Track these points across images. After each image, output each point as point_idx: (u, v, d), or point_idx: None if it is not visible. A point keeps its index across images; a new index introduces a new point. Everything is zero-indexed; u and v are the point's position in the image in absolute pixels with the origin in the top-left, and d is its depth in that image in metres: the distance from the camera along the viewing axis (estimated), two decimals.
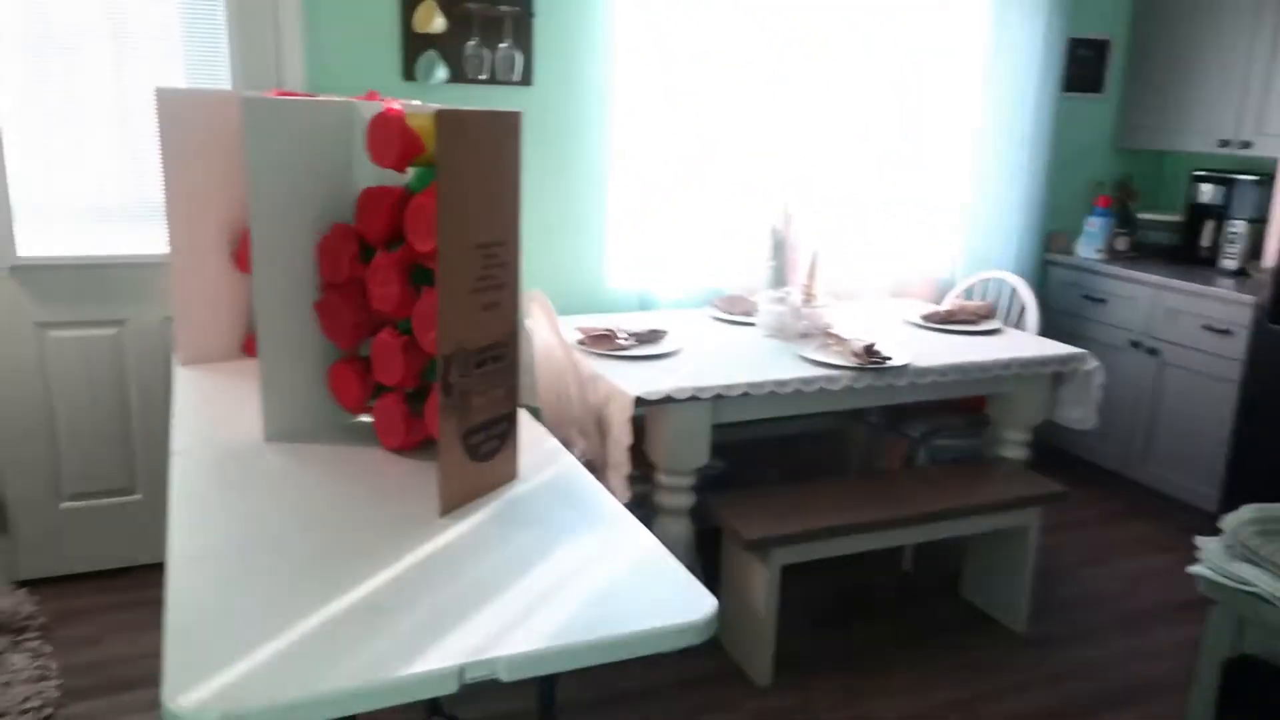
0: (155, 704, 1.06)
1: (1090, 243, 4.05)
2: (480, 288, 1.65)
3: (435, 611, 1.30)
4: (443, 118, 1.54)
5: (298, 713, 1.11)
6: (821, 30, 3.40)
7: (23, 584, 2.82)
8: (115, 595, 2.77)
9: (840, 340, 2.75)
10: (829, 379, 2.55)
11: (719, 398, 2.43)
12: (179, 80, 2.83)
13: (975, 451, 3.09)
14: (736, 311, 3.16)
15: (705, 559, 2.79)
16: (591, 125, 3.23)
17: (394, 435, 1.88)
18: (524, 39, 3.07)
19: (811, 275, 2.96)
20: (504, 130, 1.68)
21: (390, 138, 1.81)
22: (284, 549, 1.48)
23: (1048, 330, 3.93)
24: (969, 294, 3.66)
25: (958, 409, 3.21)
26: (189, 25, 2.81)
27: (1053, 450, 4.03)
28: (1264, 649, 1.33)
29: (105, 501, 2.91)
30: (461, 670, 1.17)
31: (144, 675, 2.35)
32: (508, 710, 2.27)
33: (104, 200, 2.82)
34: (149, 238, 2.83)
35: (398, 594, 1.34)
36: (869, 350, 2.65)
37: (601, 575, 1.41)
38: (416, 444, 1.87)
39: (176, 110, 2.27)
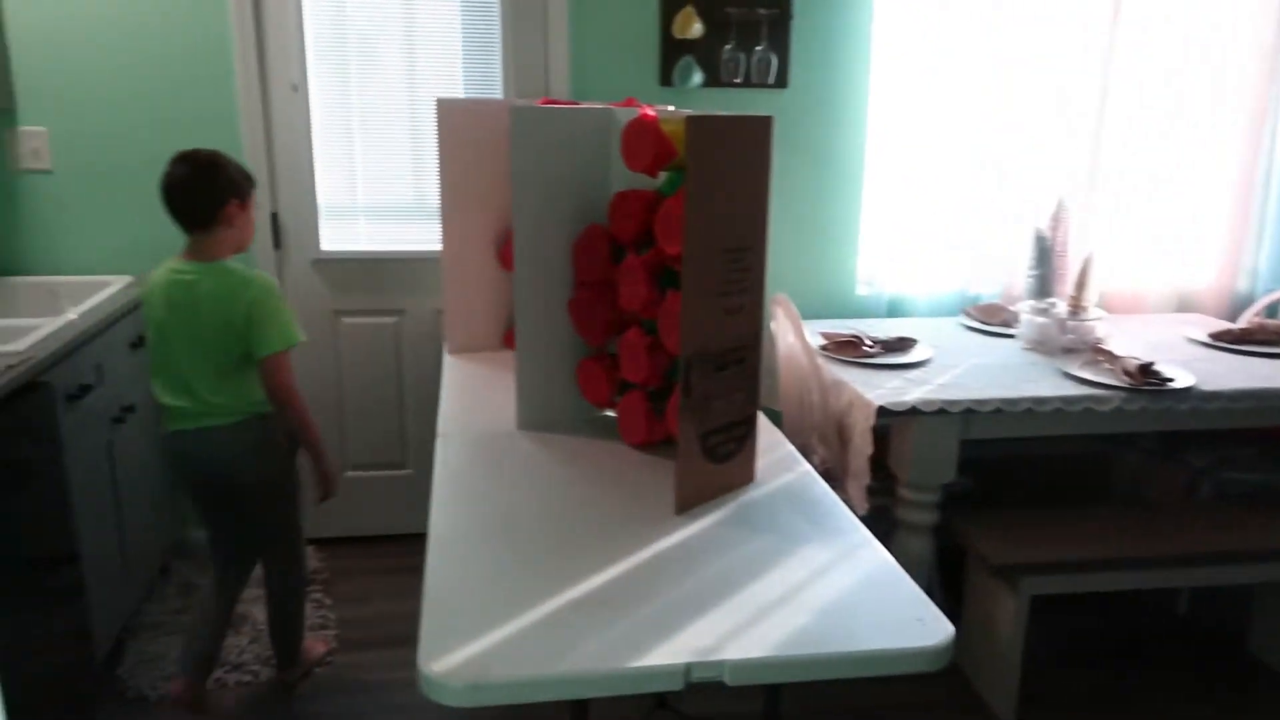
0: (413, 663, 1.18)
1: None
2: (725, 291, 1.66)
3: (666, 608, 1.32)
4: (693, 123, 1.57)
5: (534, 690, 1.17)
6: (1097, 10, 3.13)
7: (311, 541, 3.17)
8: (384, 559, 3.06)
9: (1112, 357, 2.53)
10: (1096, 399, 2.35)
11: (969, 412, 2.31)
12: (458, 92, 3.06)
13: (1274, 487, 2.73)
14: (994, 321, 2.99)
15: (945, 580, 2.66)
16: (847, 127, 3.17)
17: (636, 432, 1.93)
18: (780, 41, 3.06)
19: (1081, 284, 2.74)
20: (755, 135, 1.68)
21: (644, 143, 1.86)
22: (530, 532, 1.57)
23: None
24: (1272, 311, 3.24)
25: (1253, 438, 2.86)
26: (469, 42, 3.04)
27: None
28: None
29: (381, 474, 3.21)
30: (688, 669, 1.19)
31: (406, 635, 2.57)
32: (729, 711, 2.27)
33: (390, 200, 3.10)
34: (426, 235, 3.08)
35: (631, 587, 1.38)
36: (1145, 370, 2.41)
37: (834, 588, 1.39)
38: (657, 442, 1.91)
39: (454, 118, 2.46)
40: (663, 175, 1.95)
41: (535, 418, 2.05)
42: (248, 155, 2.91)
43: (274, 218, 3.01)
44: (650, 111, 1.92)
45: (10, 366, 1.98)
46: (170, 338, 2.13)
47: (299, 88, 2.95)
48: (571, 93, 3.06)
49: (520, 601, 1.33)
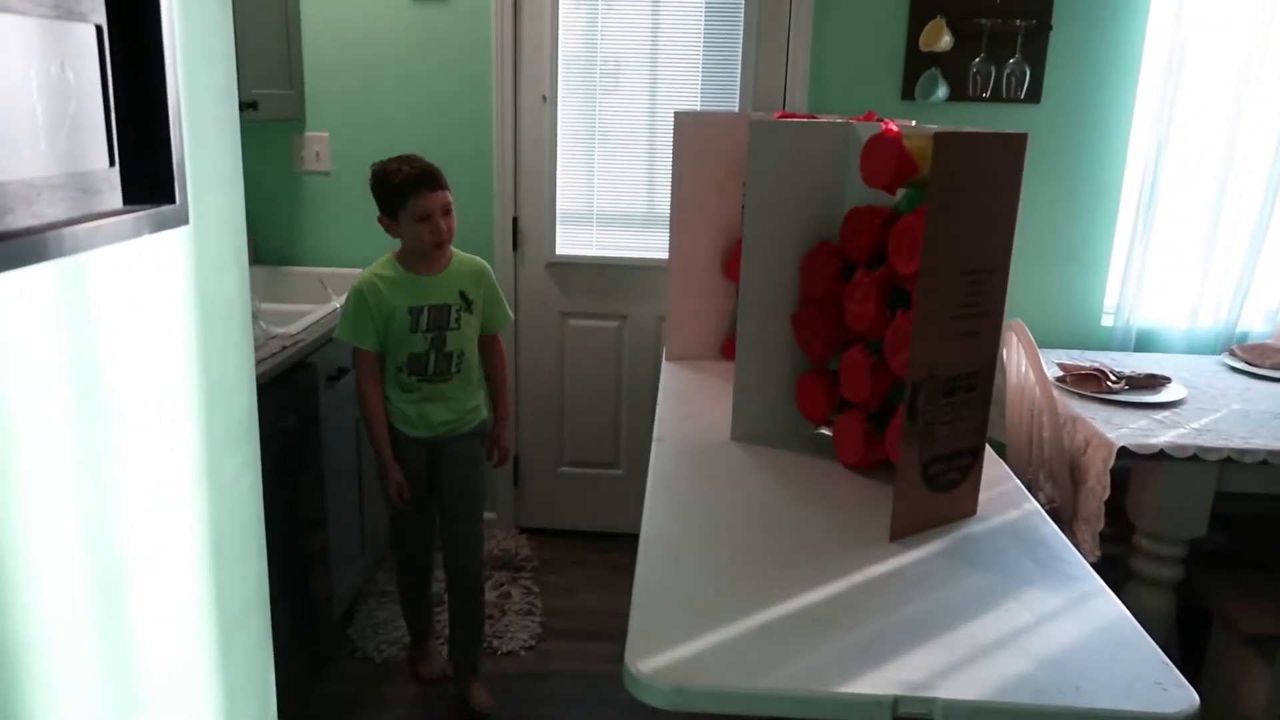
0: (615, 658, 1.22)
1: None
2: (961, 315, 1.60)
3: (876, 635, 1.29)
4: (941, 140, 1.52)
5: (736, 702, 1.17)
6: None
7: (524, 530, 3.32)
8: (592, 554, 3.16)
9: None
10: None
11: (1229, 461, 2.09)
12: (696, 104, 3.12)
13: None
14: (1264, 363, 2.69)
15: (1184, 645, 2.42)
16: (1104, 146, 2.96)
17: (852, 452, 1.89)
18: (1035, 53, 2.90)
19: None
20: (1006, 153, 1.61)
21: (885, 159, 1.82)
22: (740, 543, 1.57)
23: None
24: None
25: None
26: (709, 54, 3.09)
27: None
28: None
29: (594, 471, 3.32)
30: (896, 702, 1.15)
31: (608, 629, 2.65)
32: None
33: (623, 208, 3.21)
34: (654, 243, 3.16)
35: (841, 610, 1.36)
36: None
37: (1061, 637, 1.30)
38: (873, 464, 1.87)
39: (690, 130, 2.50)
40: (901, 192, 1.91)
41: (750, 430, 2.05)
42: (497, 161, 3.11)
43: (515, 221, 3.18)
44: (893, 126, 1.88)
45: (284, 347, 2.21)
46: None
47: (548, 99, 3.10)
48: (809, 106, 3.04)
49: (728, 611, 1.33)
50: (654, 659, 1.21)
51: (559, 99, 3.12)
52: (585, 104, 3.13)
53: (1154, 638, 2.25)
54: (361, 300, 2.20)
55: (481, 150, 3.12)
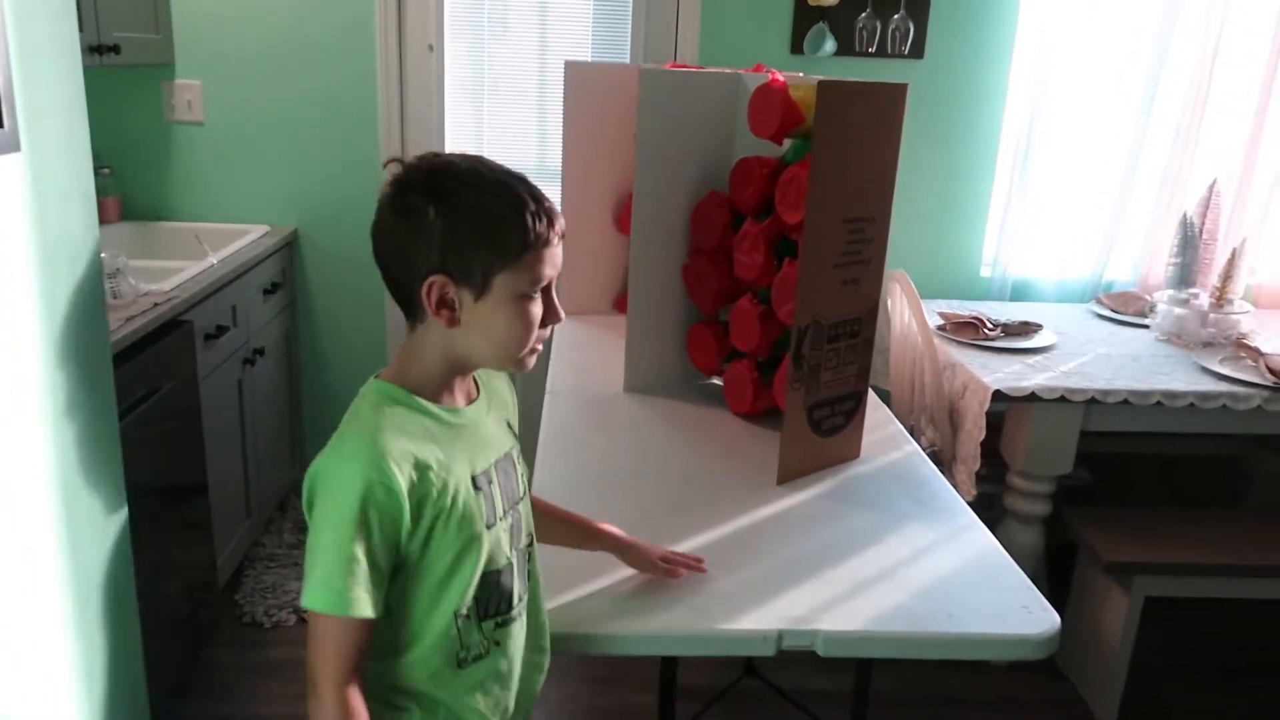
0: None
1: None
2: (843, 263, 1.63)
3: (762, 575, 1.32)
4: (824, 89, 1.53)
5: (626, 644, 1.19)
6: None
7: None
8: None
9: (1256, 353, 2.38)
10: (1234, 397, 2.21)
11: (1093, 402, 2.21)
12: (587, 55, 3.08)
13: None
14: (1128, 310, 2.85)
15: (1054, 576, 2.56)
16: (983, 103, 3.05)
17: (742, 400, 1.93)
18: (919, 10, 2.96)
19: (1228, 275, 2.57)
20: (887, 104, 1.64)
21: (771, 109, 1.84)
22: (631, 492, 1.59)
23: None
24: None
25: None
26: (600, 6, 3.04)
27: None
28: None
29: None
30: (780, 636, 1.19)
31: None
32: (817, 688, 2.26)
33: (513, 162, 3.09)
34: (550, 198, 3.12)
35: (728, 552, 1.39)
36: None
37: (934, 569, 1.36)
38: (762, 411, 1.90)
39: (581, 81, 2.47)
40: (787, 143, 1.93)
41: (642, 381, 2.06)
42: (382, 113, 3.01)
43: None
44: (780, 77, 1.89)
45: (156, 304, 2.11)
46: None
47: (434, 48, 3.01)
48: (700, 58, 3.03)
49: (618, 559, 1.34)
50: (555, 617, 1.21)
51: (445, 49, 3.03)
52: (473, 54, 3.06)
53: (1025, 569, 2.37)
54: (376, 509, 0.95)
55: (365, 101, 3.01)
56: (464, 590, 1.02)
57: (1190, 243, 2.75)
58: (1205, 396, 2.21)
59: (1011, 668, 2.44)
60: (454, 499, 1.00)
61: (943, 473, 2.38)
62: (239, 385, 2.61)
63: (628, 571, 1.30)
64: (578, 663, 2.42)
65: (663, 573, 1.28)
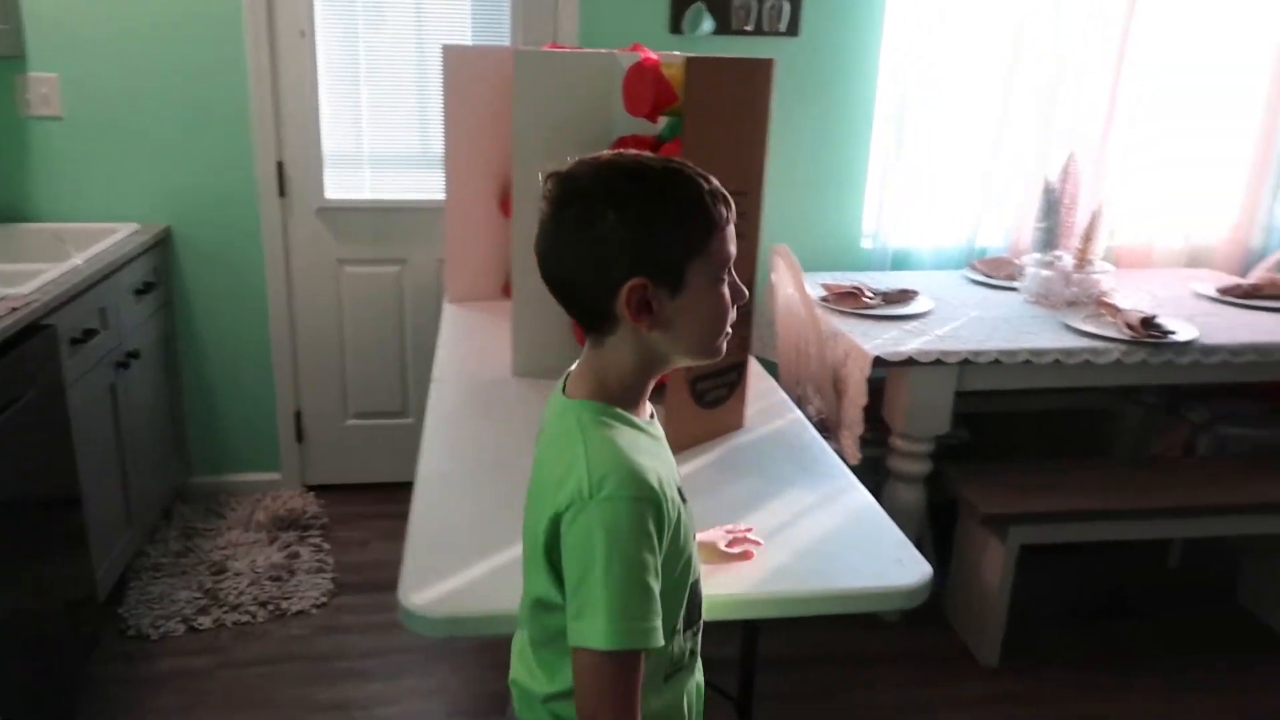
0: None
1: None
2: None
3: None
4: (693, 65, 1.56)
5: (509, 624, 1.19)
6: None
7: (311, 488, 3.21)
8: (384, 506, 3.09)
9: (1115, 310, 2.51)
10: (1095, 351, 2.34)
11: (966, 363, 2.30)
12: (466, 39, 3.04)
13: (1272, 444, 2.73)
14: (999, 275, 2.97)
15: (941, 533, 2.67)
16: (856, 78, 3.13)
17: None
18: None
19: (1088, 238, 2.71)
20: (755, 79, 1.67)
21: (644, 87, 1.85)
22: (518, 475, 1.57)
23: None
24: None
25: (1255, 394, 2.84)
26: None
27: None
28: None
29: (382, 422, 3.24)
30: None
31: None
32: (709, 655, 2.29)
33: (395, 149, 3.10)
34: (430, 184, 3.08)
35: None
36: (1147, 323, 2.40)
37: (815, 529, 1.40)
38: None
39: (459, 65, 2.44)
40: (663, 120, 1.95)
41: (531, 364, 2.06)
42: (255, 102, 2.91)
43: (279, 166, 3.01)
44: (652, 55, 1.91)
45: (14, 309, 2.00)
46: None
47: (306, 33, 2.93)
48: (580, 40, 3.02)
49: (503, 539, 1.35)
50: (427, 592, 1.21)
51: (318, 34, 2.95)
52: (347, 39, 2.98)
53: (909, 527, 2.46)
54: (654, 534, 0.93)
55: (236, 90, 2.91)
56: (682, 602, 1.00)
57: (1053, 209, 2.88)
58: (1069, 353, 2.33)
59: (902, 623, 2.53)
60: (677, 512, 0.97)
61: (830, 439, 2.45)
62: (112, 390, 2.50)
63: (511, 552, 1.30)
64: (474, 647, 2.41)
65: (736, 558, 1.28)
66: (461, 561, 1.28)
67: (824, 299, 2.65)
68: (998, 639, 2.38)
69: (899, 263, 3.25)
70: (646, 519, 0.91)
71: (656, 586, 0.91)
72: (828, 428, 2.46)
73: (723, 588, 1.24)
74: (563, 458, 0.94)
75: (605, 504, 0.90)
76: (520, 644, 1.09)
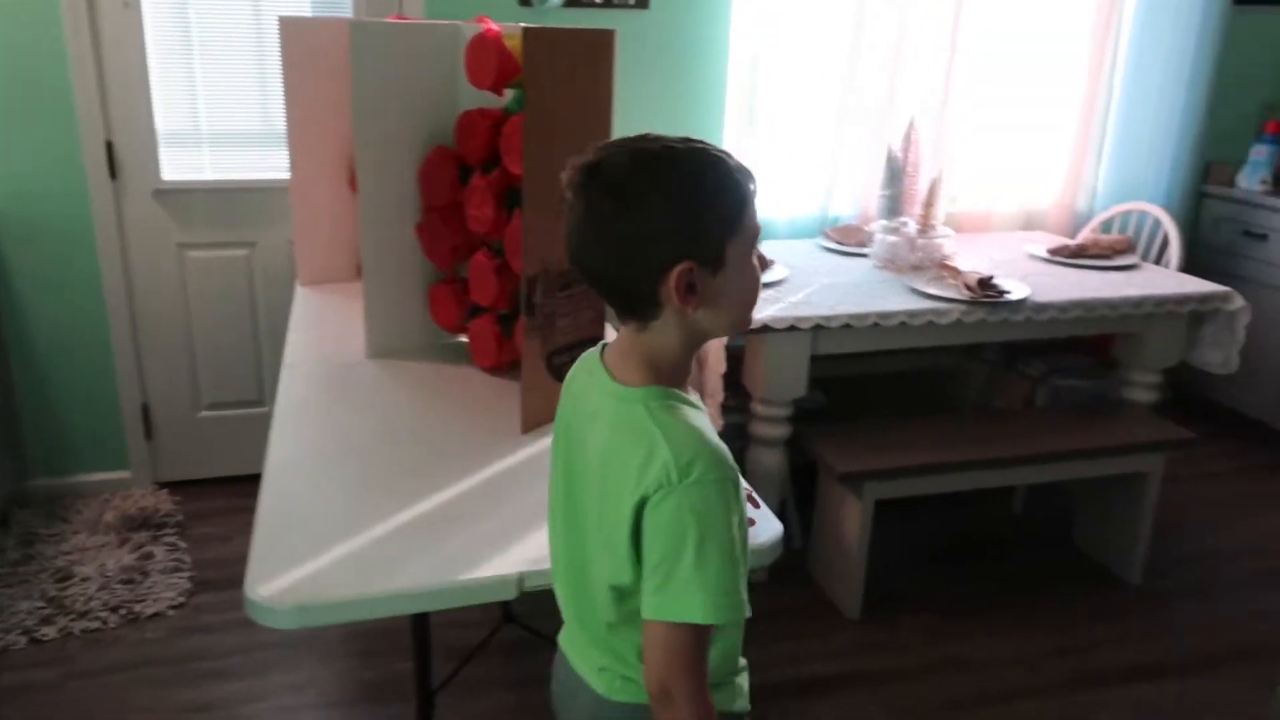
0: None
1: (1255, 173, 3.72)
2: None
3: (505, 522, 1.34)
4: (530, 36, 1.54)
5: (363, 608, 1.17)
6: None
7: (164, 485, 3.06)
8: (244, 499, 2.95)
9: (955, 272, 2.64)
10: (937, 312, 2.45)
11: (819, 328, 2.38)
12: (305, 10, 2.92)
13: (1101, 394, 2.92)
14: (850, 242, 3.07)
15: (803, 494, 2.76)
16: (708, 50, 3.16)
17: (487, 355, 1.93)
18: None
19: (929, 203, 2.83)
20: (597, 49, 1.66)
21: (487, 59, 1.82)
22: (373, 457, 1.56)
23: (1198, 268, 3.63)
24: (1107, 227, 3.43)
25: (1084, 348, 3.04)
26: None
27: (1195, 397, 3.77)
28: None
29: (237, 412, 3.11)
30: (521, 578, 1.21)
31: None
32: None
33: (236, 127, 2.95)
34: (276, 162, 2.95)
35: (472, 504, 1.39)
36: (983, 283, 2.53)
37: None
38: (508, 364, 1.91)
39: (298, 38, 2.35)
40: (510, 93, 1.92)
41: (385, 345, 2.02)
42: (76, 79, 2.72)
43: (109, 146, 2.83)
44: (494, 26, 1.88)
45: None
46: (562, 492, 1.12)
47: (130, 3, 2.75)
48: (426, 13, 2.95)
49: (358, 523, 1.32)
50: (275, 582, 1.18)
51: (143, 4, 2.77)
52: (177, 10, 2.81)
53: (771, 489, 2.53)
54: (741, 510, 0.99)
55: (54, 65, 2.71)
56: (746, 568, 1.00)
57: (896, 176, 2.99)
58: (913, 314, 2.43)
59: (770, 581, 2.61)
60: (739, 485, 0.98)
61: None
62: None
63: (364, 536, 1.28)
64: (341, 637, 2.36)
65: None
66: (312, 549, 1.25)
67: None
68: (859, 591, 2.48)
69: None
70: (731, 496, 0.95)
71: (744, 560, 0.96)
72: None
73: None
74: (639, 445, 0.95)
75: (695, 487, 0.92)
76: (588, 634, 1.09)
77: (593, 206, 0.95)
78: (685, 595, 0.93)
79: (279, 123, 2.93)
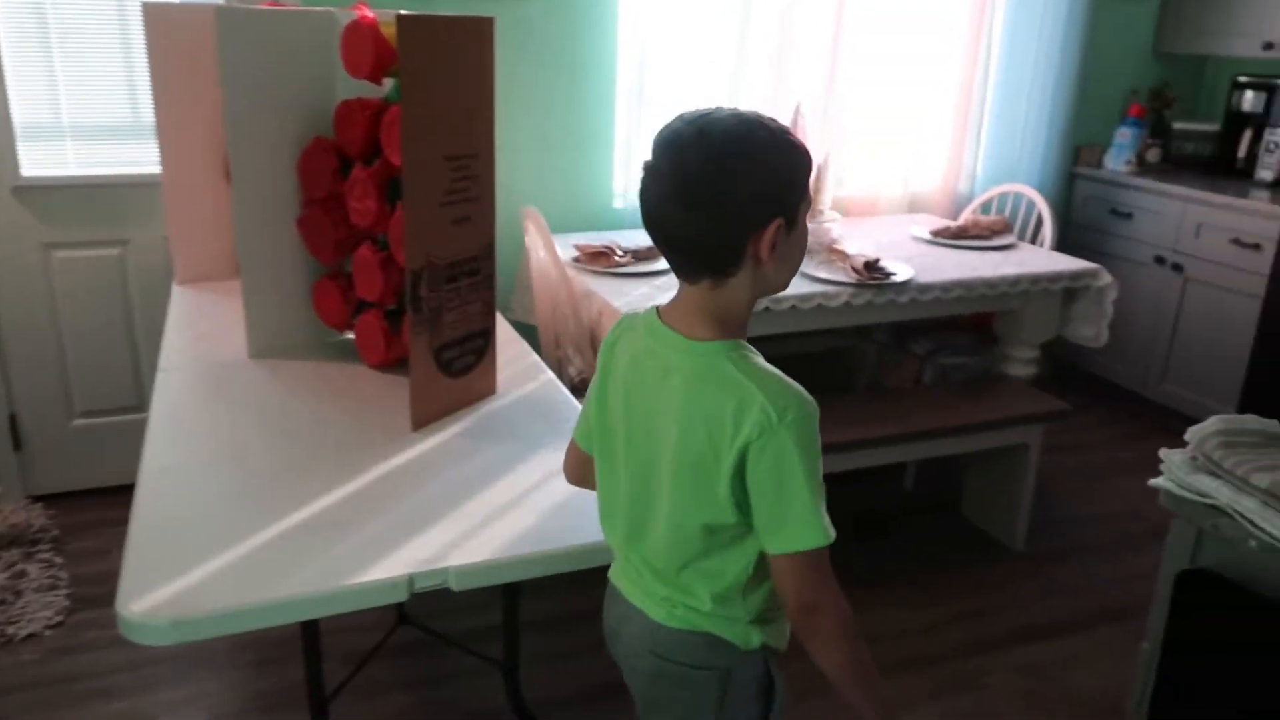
0: None
1: (1120, 154, 3.91)
2: (450, 201, 1.62)
3: (395, 523, 1.31)
4: (404, 23, 1.50)
5: (245, 619, 1.13)
6: None
7: (37, 499, 2.90)
8: (125, 510, 2.83)
9: (843, 256, 2.69)
10: (826, 295, 2.50)
11: None
12: None
13: (984, 369, 3.04)
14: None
15: None
16: (597, 37, 3.14)
17: (374, 351, 1.88)
18: None
19: (816, 189, 2.88)
20: (475, 37, 1.63)
21: (363, 47, 1.77)
22: (255, 462, 1.50)
23: (1070, 246, 3.81)
24: (986, 209, 3.56)
25: (967, 326, 3.15)
26: None
27: (1072, 370, 3.96)
28: (1219, 562, 1.30)
29: (115, 419, 2.96)
30: (411, 579, 1.19)
31: None
32: (480, 624, 2.30)
33: (102, 119, 2.80)
34: (148, 156, 2.81)
35: (360, 506, 1.36)
36: (870, 266, 2.59)
37: (564, 488, 1.41)
38: (396, 360, 1.87)
39: (163, 26, 2.25)
40: (389, 82, 1.87)
41: (268, 344, 1.95)
42: None
43: None
44: (369, 13, 1.82)
45: None
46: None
47: None
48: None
49: (239, 531, 1.28)
50: (149, 597, 1.13)
51: None
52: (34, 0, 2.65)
53: None
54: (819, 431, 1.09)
55: None
56: None
57: None
58: (804, 298, 2.48)
59: None
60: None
61: None
62: None
63: (247, 544, 1.24)
64: (231, 648, 2.29)
65: None
66: (191, 560, 1.20)
67: (576, 259, 2.67)
68: None
69: None
70: (817, 429, 1.05)
71: None
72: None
73: (472, 555, 1.23)
74: (730, 396, 1.05)
75: (793, 426, 1.03)
76: (652, 570, 1.16)
77: (692, 171, 1.02)
78: (807, 524, 1.04)
79: (147, 113, 2.80)
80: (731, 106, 1.08)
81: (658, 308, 1.16)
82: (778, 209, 1.04)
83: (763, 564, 1.11)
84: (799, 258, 1.12)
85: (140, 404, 2.97)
